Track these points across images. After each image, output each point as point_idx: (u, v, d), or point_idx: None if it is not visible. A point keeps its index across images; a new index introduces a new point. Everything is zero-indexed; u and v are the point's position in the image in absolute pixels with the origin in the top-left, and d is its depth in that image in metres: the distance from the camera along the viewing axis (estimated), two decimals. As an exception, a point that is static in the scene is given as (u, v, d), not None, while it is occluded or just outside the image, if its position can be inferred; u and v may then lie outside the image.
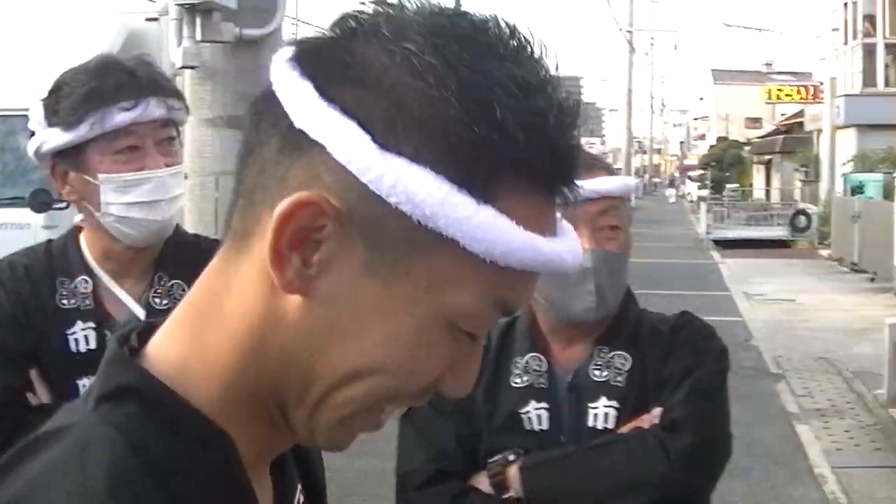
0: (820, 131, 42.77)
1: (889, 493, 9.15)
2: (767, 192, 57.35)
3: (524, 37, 1.04)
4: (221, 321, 1.04)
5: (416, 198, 0.96)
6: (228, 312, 1.04)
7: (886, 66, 44.42)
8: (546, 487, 2.50)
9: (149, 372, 1.03)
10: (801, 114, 52.55)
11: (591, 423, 2.58)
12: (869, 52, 44.69)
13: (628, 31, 53.24)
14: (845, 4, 46.68)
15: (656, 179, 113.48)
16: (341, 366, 1.02)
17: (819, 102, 43.97)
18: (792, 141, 53.48)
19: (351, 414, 1.05)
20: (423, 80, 0.97)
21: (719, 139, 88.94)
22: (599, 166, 2.64)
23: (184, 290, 2.74)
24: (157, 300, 2.77)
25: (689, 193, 71.25)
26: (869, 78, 44.35)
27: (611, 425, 2.57)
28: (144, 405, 1.01)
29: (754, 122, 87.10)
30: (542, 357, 2.64)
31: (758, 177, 66.87)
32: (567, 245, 1.05)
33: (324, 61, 1.01)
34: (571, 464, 2.52)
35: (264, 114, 1.04)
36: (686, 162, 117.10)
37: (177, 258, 2.81)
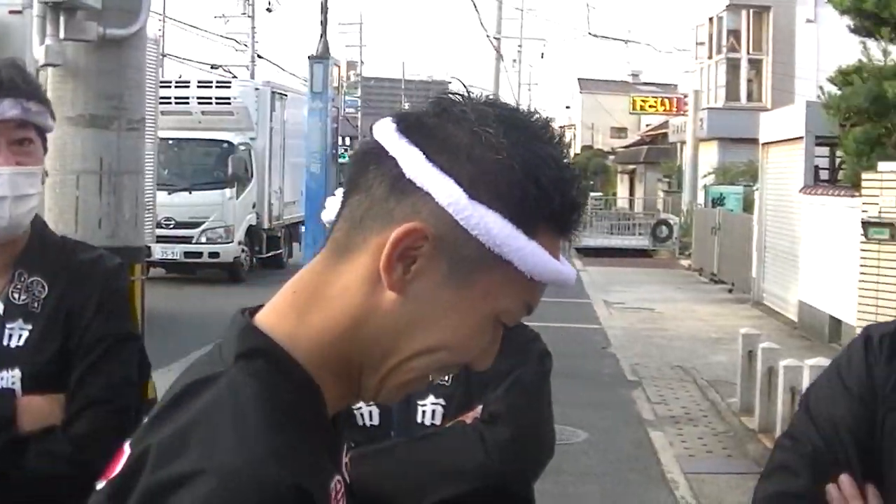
0: (683, 143, 43.48)
1: (738, 498, 9.34)
2: (631, 202, 58.17)
3: (552, 126, 1.52)
4: (325, 306, 1.45)
5: (492, 231, 1.40)
6: (331, 300, 1.45)
7: (749, 80, 45.27)
8: (371, 476, 2.61)
9: (271, 339, 1.44)
10: (665, 125, 53.27)
11: (419, 419, 2.74)
12: (733, 66, 45.50)
13: (496, 39, 53.41)
14: (710, 19, 47.48)
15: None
16: (420, 344, 1.44)
17: (683, 115, 44.69)
18: (656, 152, 54.29)
19: (411, 380, 1.47)
20: (497, 154, 1.41)
21: (584, 148, 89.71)
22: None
23: (42, 286, 2.81)
24: (15, 295, 2.80)
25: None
26: (732, 92, 45.15)
27: (437, 421, 2.73)
28: (269, 361, 1.42)
29: (620, 131, 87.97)
30: None
31: (622, 186, 67.76)
32: (568, 267, 1.48)
33: (425, 134, 1.45)
34: (395, 455, 2.69)
35: (372, 163, 1.46)
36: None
37: (40, 256, 2.86)
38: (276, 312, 1.49)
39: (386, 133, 1.48)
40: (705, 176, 37.12)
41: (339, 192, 2.32)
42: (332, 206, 2.84)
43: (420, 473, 2.67)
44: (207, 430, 1.34)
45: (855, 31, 18.52)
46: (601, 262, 32.25)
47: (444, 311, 1.43)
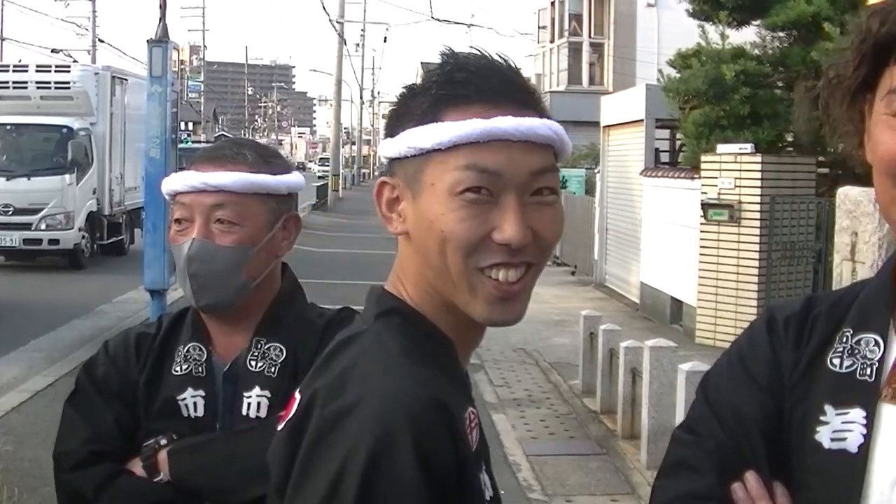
0: (525, 126, 43.70)
1: (580, 479, 9.32)
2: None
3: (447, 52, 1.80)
4: (405, 273, 1.78)
5: (408, 141, 1.70)
6: (405, 268, 1.78)
7: (591, 64, 45.82)
8: (190, 470, 2.60)
9: (402, 300, 1.76)
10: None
11: (244, 411, 2.67)
12: (575, 50, 46.01)
13: (338, 23, 53.13)
14: (553, 3, 47.93)
15: (365, 170, 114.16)
16: (434, 250, 1.68)
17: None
18: (498, 135, 54.54)
19: (475, 283, 1.68)
20: (402, 102, 1.78)
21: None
22: (224, 158, 2.70)
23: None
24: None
25: (397, 185, 71.68)
26: (574, 75, 45.66)
27: (263, 414, 2.65)
28: (403, 317, 1.75)
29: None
30: (202, 346, 2.74)
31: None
32: (485, 121, 1.67)
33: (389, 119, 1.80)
34: (213, 449, 2.63)
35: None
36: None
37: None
38: (392, 284, 1.81)
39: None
40: (547, 159, 37.28)
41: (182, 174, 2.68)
42: (173, 179, 2.74)
43: (236, 469, 2.58)
44: (361, 370, 1.66)
45: (694, 14, 18.72)
46: (444, 246, 32.18)
47: (423, 219, 1.69)
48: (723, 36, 17.54)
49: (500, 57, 1.78)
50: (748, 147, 15.43)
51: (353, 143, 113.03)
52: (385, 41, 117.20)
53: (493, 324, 1.74)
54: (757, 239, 15.29)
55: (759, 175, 15.19)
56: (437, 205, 1.67)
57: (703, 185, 15.85)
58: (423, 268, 1.73)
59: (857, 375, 1.73)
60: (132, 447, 2.67)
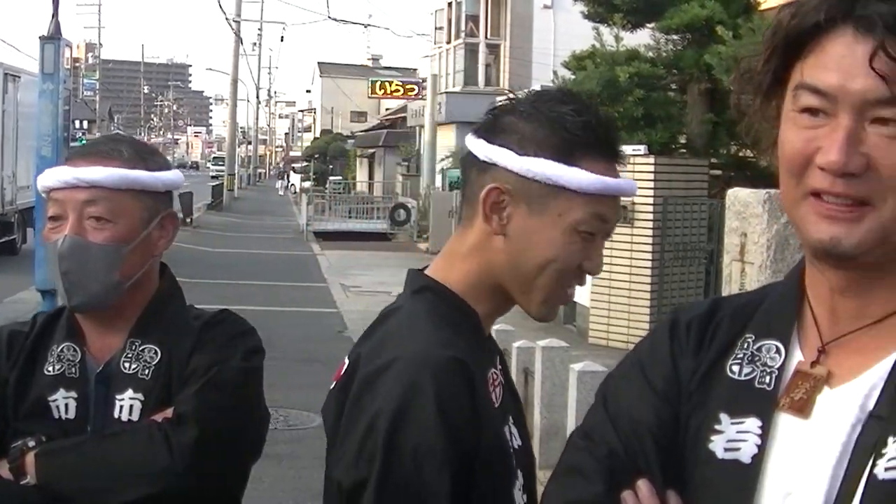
0: (422, 127, 43.65)
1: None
2: (370, 186, 58.22)
3: (570, 92, 2.20)
4: (463, 258, 2.15)
5: (543, 171, 2.04)
6: (466, 254, 2.15)
7: (488, 65, 45.90)
8: (56, 474, 2.50)
9: (433, 279, 2.16)
10: (404, 109, 53.55)
11: (116, 414, 2.58)
12: (471, 51, 46.06)
13: (235, 21, 52.70)
14: (449, 4, 47.97)
15: (261, 170, 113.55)
16: (532, 263, 2.08)
17: (422, 99, 44.86)
18: (395, 136, 54.53)
19: (549, 294, 2.12)
20: (533, 121, 2.07)
21: (323, 132, 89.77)
22: (98, 154, 2.64)
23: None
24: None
25: (293, 185, 71.55)
26: (470, 76, 45.72)
27: (135, 417, 2.57)
28: (434, 293, 2.13)
29: (360, 115, 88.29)
30: (76, 347, 2.65)
31: (361, 170, 67.77)
32: (618, 180, 2.10)
33: (486, 129, 2.12)
34: (82, 452, 2.52)
35: (467, 161, 2.17)
36: (292, 153, 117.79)
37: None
38: (433, 268, 2.20)
39: (468, 137, 2.17)
40: (443, 160, 37.36)
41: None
42: (46, 175, 2.67)
43: (105, 473, 2.50)
44: (395, 337, 2.04)
45: (589, 17, 18.82)
46: (340, 246, 32.10)
47: (537, 235, 2.07)
48: (617, 38, 17.64)
49: (600, 112, 2.16)
50: (641, 149, 15.51)
51: (250, 143, 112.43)
52: (282, 40, 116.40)
53: (543, 320, 2.24)
54: (650, 240, 15.36)
55: (652, 176, 15.24)
56: (555, 230, 2.08)
57: (598, 186, 15.85)
58: (502, 264, 2.13)
59: (756, 384, 1.67)
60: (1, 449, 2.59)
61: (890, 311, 1.61)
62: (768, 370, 1.67)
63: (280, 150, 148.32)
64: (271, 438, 9.68)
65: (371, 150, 63.69)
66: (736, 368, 1.70)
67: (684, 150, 17.22)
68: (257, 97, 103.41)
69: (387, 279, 23.61)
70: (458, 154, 35.71)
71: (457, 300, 2.12)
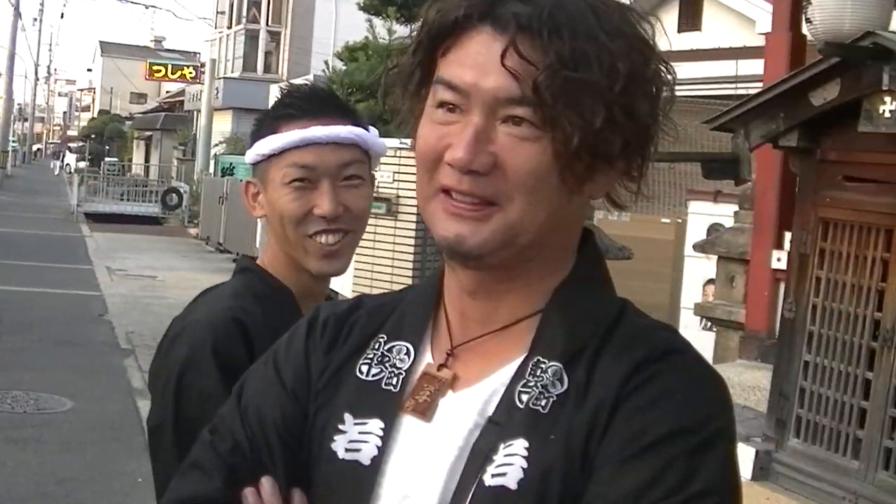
0: (199, 111, 43.18)
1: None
2: (146, 169, 57.18)
3: None
4: (267, 244, 2.58)
5: (255, 154, 2.50)
6: (267, 240, 2.61)
7: (268, 52, 45.66)
8: None
9: (254, 261, 2.54)
10: (183, 93, 52.82)
11: None
12: (252, 37, 45.76)
13: (13, -6, 51.19)
14: (232, -11, 47.53)
15: (38, 147, 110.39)
16: (277, 226, 2.48)
17: (200, 83, 44.38)
18: (173, 119, 53.75)
19: (303, 245, 2.47)
20: None
21: (101, 112, 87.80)
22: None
23: None
24: None
25: (68, 164, 69.87)
26: (249, 63, 45.42)
27: None
28: (251, 273, 2.50)
29: (140, 97, 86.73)
30: None
31: (138, 152, 66.52)
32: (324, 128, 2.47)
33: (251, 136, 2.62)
34: None
35: None
36: (69, 133, 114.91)
37: None
38: (261, 254, 2.57)
39: None
40: (217, 145, 36.98)
41: None
42: None
43: None
44: (199, 306, 2.46)
45: (364, 8, 19.01)
46: (110, 229, 31.50)
47: (270, 203, 2.50)
48: (390, 31, 17.83)
49: (321, 84, 2.65)
50: (408, 142, 15.64)
51: (26, 120, 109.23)
52: (62, 17, 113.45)
53: (322, 275, 2.51)
54: (413, 233, 15.51)
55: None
56: (276, 192, 2.44)
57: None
58: (275, 239, 2.49)
59: (383, 384, 1.64)
60: None
61: (518, 316, 1.60)
62: (396, 371, 1.65)
63: (58, 128, 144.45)
64: (19, 422, 9.57)
65: (148, 133, 62.64)
66: (364, 368, 1.68)
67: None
68: (35, 74, 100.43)
69: (154, 263, 23.37)
70: (232, 140, 35.50)
71: (269, 279, 2.50)
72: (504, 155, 1.49)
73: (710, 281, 11.32)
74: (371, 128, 2.58)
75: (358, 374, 1.67)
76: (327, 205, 2.42)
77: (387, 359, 1.67)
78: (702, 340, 9.03)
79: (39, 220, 33.36)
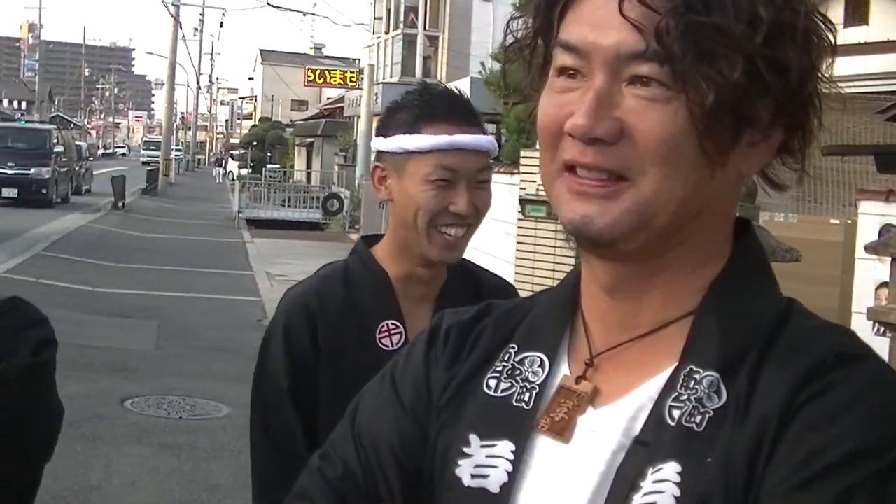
0: (359, 117, 43.45)
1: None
2: (308, 175, 57.88)
3: None
4: (388, 229, 2.83)
5: (395, 145, 2.71)
6: (388, 225, 2.83)
7: (426, 57, 45.86)
8: None
9: (364, 245, 2.81)
10: (343, 99, 53.32)
11: None
12: (409, 42, 45.99)
13: (174, 6, 52.23)
14: (389, -6, 47.86)
15: (201, 156, 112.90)
16: (408, 214, 2.69)
17: (360, 89, 44.68)
18: (333, 125, 54.24)
19: (428, 236, 2.68)
20: None
21: (262, 119, 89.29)
22: None
23: None
24: None
25: (231, 172, 71.21)
26: (408, 68, 45.62)
27: None
28: (354, 255, 2.79)
29: (301, 104, 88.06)
30: None
31: (299, 159, 67.41)
32: (466, 136, 2.72)
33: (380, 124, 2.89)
34: None
35: None
36: (232, 140, 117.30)
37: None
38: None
39: None
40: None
41: None
42: None
43: None
44: (305, 281, 2.81)
45: (520, 9, 18.63)
46: (271, 235, 31.85)
47: (404, 193, 2.68)
48: (549, 31, 17.50)
49: (456, 90, 2.79)
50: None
51: (189, 129, 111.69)
52: (221, 26, 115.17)
53: (441, 262, 2.70)
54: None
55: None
56: (416, 186, 2.61)
57: (521, 180, 15.78)
58: (397, 223, 2.70)
59: (514, 401, 1.44)
60: None
61: (665, 319, 1.38)
62: (529, 386, 1.44)
63: (221, 136, 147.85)
64: (174, 427, 9.48)
65: (310, 140, 63.36)
66: (493, 383, 1.48)
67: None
68: (197, 82, 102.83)
69: (314, 268, 23.10)
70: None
71: (369, 261, 2.75)
72: (632, 120, 1.29)
73: (884, 284, 10.87)
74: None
75: (485, 389, 1.48)
76: (463, 204, 2.65)
77: (518, 372, 1.47)
78: (875, 346, 8.61)
79: (201, 226, 33.83)
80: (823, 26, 1.33)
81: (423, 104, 2.69)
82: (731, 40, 1.25)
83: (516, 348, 1.49)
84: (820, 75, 1.33)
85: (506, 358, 1.49)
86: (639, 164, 1.29)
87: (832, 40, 1.34)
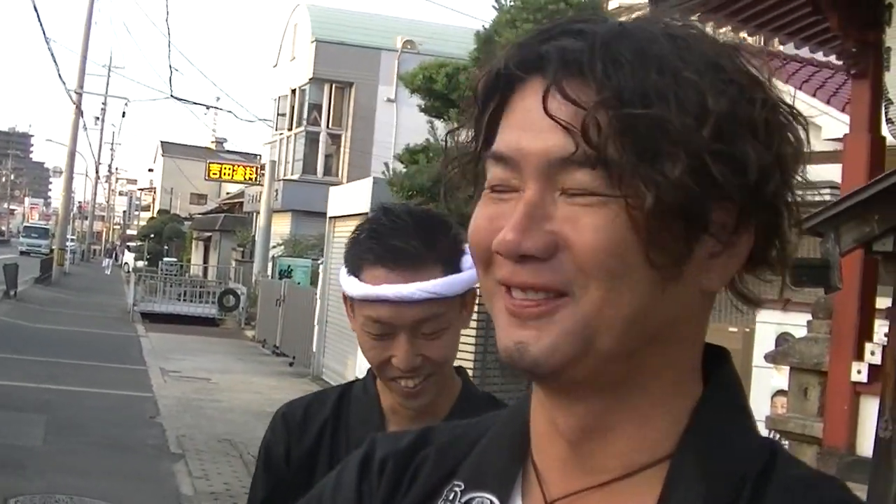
0: (258, 213, 43.31)
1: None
2: (205, 269, 57.39)
3: None
4: None
5: (343, 285, 2.49)
6: None
7: (329, 155, 45.94)
8: None
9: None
10: (243, 194, 53.16)
11: None
12: (312, 140, 46.04)
13: (77, 93, 51.80)
14: (293, 91, 47.94)
15: (96, 246, 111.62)
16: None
17: (260, 185, 44.59)
18: (232, 220, 53.95)
19: (388, 385, 2.48)
20: None
21: (161, 212, 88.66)
22: None
23: None
24: None
25: (126, 263, 70.43)
26: (309, 165, 45.66)
27: None
28: (363, 379, 2.62)
29: (200, 198, 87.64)
30: None
31: (196, 253, 66.84)
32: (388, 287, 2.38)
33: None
34: None
35: None
36: (129, 232, 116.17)
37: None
38: None
39: None
40: (275, 247, 36.98)
41: None
42: None
43: None
44: None
45: (425, 111, 18.86)
46: (166, 329, 31.42)
47: (357, 336, 2.49)
48: (451, 134, 17.67)
49: (417, 216, 2.43)
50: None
51: (86, 218, 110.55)
52: (123, 116, 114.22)
53: (407, 409, 2.45)
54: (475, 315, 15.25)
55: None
56: (359, 333, 2.41)
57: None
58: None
59: None
60: None
61: (636, 463, 1.20)
62: None
63: (118, 227, 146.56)
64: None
65: (208, 234, 62.90)
66: None
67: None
68: (96, 171, 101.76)
69: (208, 365, 23.12)
70: (291, 242, 35.50)
71: (370, 385, 2.56)
72: (566, 231, 1.12)
73: (780, 392, 10.98)
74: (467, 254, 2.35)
75: None
76: (402, 358, 2.37)
77: None
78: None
79: (95, 318, 33.31)
80: (790, 118, 1.19)
81: (369, 240, 2.39)
82: (673, 135, 1.10)
83: (462, 486, 1.28)
84: (787, 172, 1.18)
85: (451, 497, 1.28)
86: (578, 278, 1.13)
87: (800, 134, 1.19)
